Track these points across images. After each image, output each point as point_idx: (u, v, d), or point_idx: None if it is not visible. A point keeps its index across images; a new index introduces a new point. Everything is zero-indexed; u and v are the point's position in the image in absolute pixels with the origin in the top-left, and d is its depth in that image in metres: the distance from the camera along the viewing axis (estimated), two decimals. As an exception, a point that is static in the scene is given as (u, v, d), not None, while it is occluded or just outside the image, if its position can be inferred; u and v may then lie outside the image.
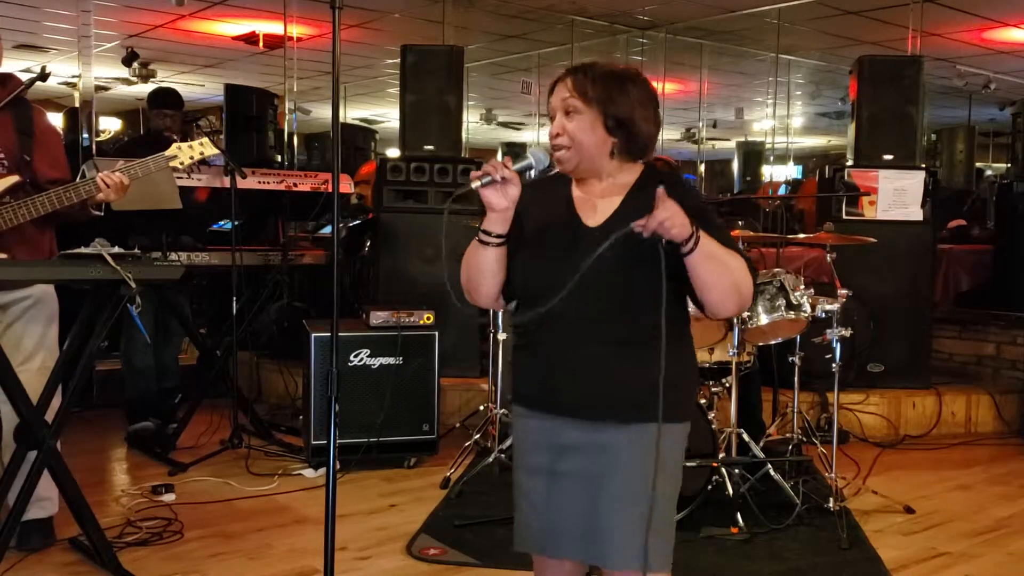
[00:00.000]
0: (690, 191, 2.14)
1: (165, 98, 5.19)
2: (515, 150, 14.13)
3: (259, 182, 5.25)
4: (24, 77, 3.48)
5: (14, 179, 3.21)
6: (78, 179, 3.28)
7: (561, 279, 1.89)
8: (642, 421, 1.95)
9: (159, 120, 5.10)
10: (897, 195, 5.63)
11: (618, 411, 1.97)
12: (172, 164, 3.35)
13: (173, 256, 4.67)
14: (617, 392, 1.97)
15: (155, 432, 5.01)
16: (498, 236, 2.00)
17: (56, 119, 9.90)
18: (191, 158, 3.38)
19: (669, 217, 1.80)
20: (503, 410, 4.65)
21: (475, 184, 1.93)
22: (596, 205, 2.04)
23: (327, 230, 6.58)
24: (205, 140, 3.45)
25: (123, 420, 5.20)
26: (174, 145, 3.39)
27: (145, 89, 10.42)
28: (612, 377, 1.97)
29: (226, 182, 4.83)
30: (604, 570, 2.07)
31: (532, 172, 2.07)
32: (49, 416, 3.19)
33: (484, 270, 2.04)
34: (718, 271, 1.89)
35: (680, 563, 3.39)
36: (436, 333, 4.63)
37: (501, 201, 1.96)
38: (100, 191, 3.17)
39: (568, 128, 1.99)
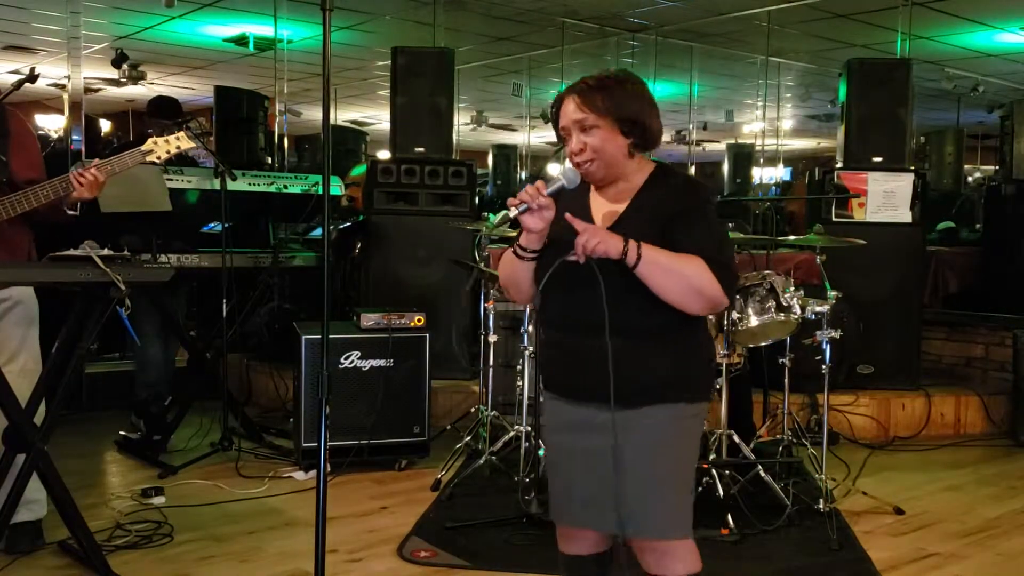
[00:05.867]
0: (684, 190, 2.21)
1: (161, 108, 5.16)
2: (505, 152, 14.10)
3: (249, 184, 5.24)
4: (13, 79, 3.46)
5: None
6: None
7: (574, 279, 2.09)
8: (638, 405, 2.13)
9: (154, 127, 5.07)
10: (886, 197, 5.65)
11: (623, 396, 2.10)
12: (149, 158, 3.32)
13: (163, 258, 4.65)
14: (619, 380, 2.08)
15: (139, 441, 4.97)
16: (533, 251, 2.17)
17: (58, 121, 9.86)
18: (167, 152, 3.35)
19: (587, 241, 2.01)
20: (494, 412, 4.65)
21: (513, 212, 2.07)
22: (609, 210, 2.21)
23: (317, 232, 6.57)
24: (182, 134, 3.42)
25: (113, 422, 5.16)
26: (150, 140, 3.36)
27: (135, 91, 10.42)
28: (615, 366, 2.08)
29: (217, 184, 4.82)
30: (629, 539, 2.23)
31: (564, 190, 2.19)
32: (38, 419, 3.17)
33: (521, 278, 2.23)
34: (666, 276, 2.05)
35: (671, 564, 3.43)
36: (427, 335, 4.63)
37: (538, 224, 2.11)
38: (75, 188, 3.15)
39: (590, 143, 2.14)
